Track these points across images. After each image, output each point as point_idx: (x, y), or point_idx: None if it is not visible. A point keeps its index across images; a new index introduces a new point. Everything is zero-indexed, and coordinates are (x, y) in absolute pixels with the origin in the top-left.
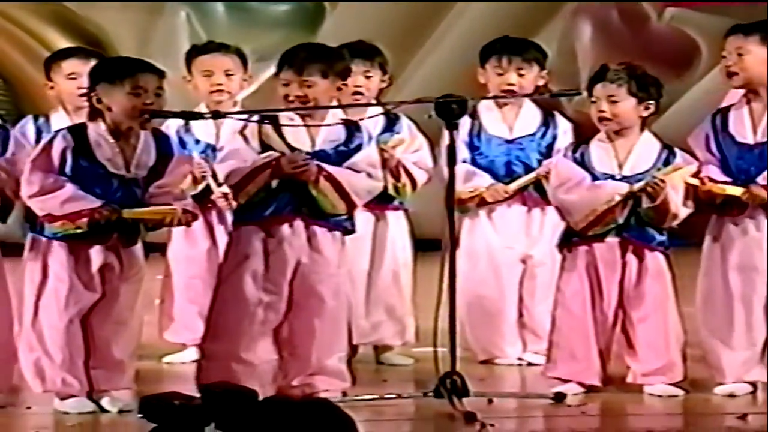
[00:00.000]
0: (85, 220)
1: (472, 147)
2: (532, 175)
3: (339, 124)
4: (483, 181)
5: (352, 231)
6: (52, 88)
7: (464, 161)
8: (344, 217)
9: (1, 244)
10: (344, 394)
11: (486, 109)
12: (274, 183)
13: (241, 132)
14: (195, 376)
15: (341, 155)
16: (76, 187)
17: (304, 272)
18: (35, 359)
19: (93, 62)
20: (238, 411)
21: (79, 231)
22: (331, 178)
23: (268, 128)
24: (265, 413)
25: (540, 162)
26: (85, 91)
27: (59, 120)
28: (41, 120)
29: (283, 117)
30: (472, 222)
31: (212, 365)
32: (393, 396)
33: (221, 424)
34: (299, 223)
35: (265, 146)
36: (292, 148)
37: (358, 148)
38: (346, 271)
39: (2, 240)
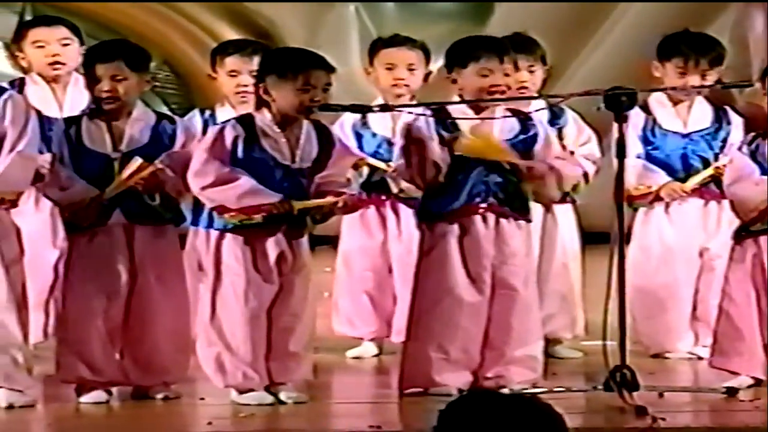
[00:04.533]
0: (262, 213)
1: (647, 142)
2: (709, 170)
3: (509, 116)
4: (659, 178)
5: (531, 220)
6: (215, 79)
7: (639, 156)
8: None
9: (180, 237)
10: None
11: (658, 104)
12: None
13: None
14: (400, 369)
15: (518, 146)
16: (253, 180)
17: (495, 264)
18: (216, 354)
19: (257, 60)
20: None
21: (251, 222)
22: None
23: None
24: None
25: (716, 157)
26: (244, 89)
27: (225, 113)
28: (207, 113)
29: (456, 111)
30: (646, 214)
31: (417, 361)
32: (563, 389)
33: None
34: (490, 215)
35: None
36: None
37: (535, 138)
38: (533, 260)
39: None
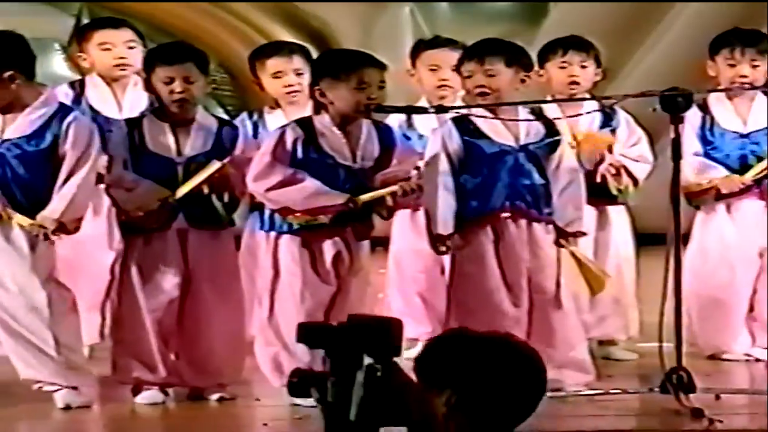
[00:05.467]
0: (328, 215)
1: (705, 141)
2: (765, 163)
3: (532, 120)
4: (717, 173)
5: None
6: (259, 85)
7: (697, 154)
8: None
9: (235, 238)
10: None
11: (717, 102)
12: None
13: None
14: None
15: (543, 149)
16: (318, 182)
17: (530, 268)
18: (273, 354)
19: (296, 58)
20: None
21: (316, 223)
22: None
23: (477, 123)
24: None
25: None
26: (292, 88)
27: (274, 116)
28: (255, 116)
29: (479, 112)
30: (706, 216)
31: None
32: (618, 391)
33: (371, 351)
34: (522, 220)
35: (466, 141)
36: (495, 144)
37: (559, 142)
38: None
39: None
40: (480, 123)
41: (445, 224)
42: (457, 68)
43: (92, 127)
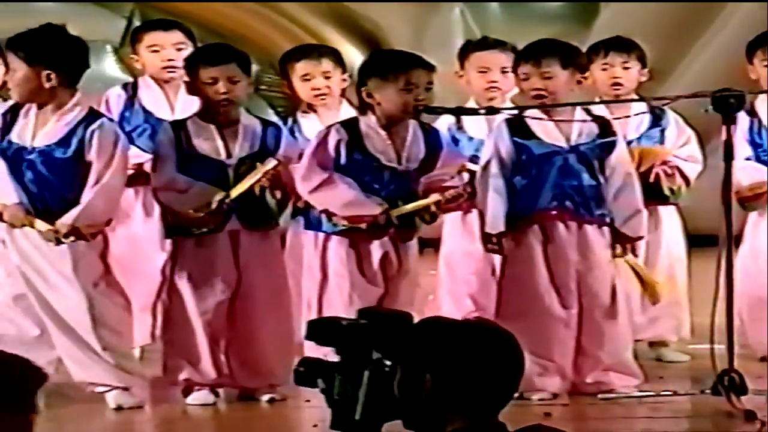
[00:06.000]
0: (365, 222)
1: (754, 144)
2: None
3: (588, 120)
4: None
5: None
6: (292, 89)
7: (748, 159)
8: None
9: (281, 237)
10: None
11: (762, 104)
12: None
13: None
14: None
15: (595, 150)
16: (356, 189)
17: (579, 270)
18: (322, 355)
19: (325, 61)
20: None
21: (359, 226)
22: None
23: (529, 124)
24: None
25: None
26: (319, 91)
27: (308, 120)
28: (290, 121)
29: (533, 113)
30: (759, 217)
31: None
32: (670, 393)
33: (381, 346)
34: (571, 222)
35: (516, 142)
36: (546, 145)
37: (613, 144)
38: (614, 265)
39: (282, 233)
40: (532, 123)
41: (493, 223)
42: (513, 70)
43: (117, 134)
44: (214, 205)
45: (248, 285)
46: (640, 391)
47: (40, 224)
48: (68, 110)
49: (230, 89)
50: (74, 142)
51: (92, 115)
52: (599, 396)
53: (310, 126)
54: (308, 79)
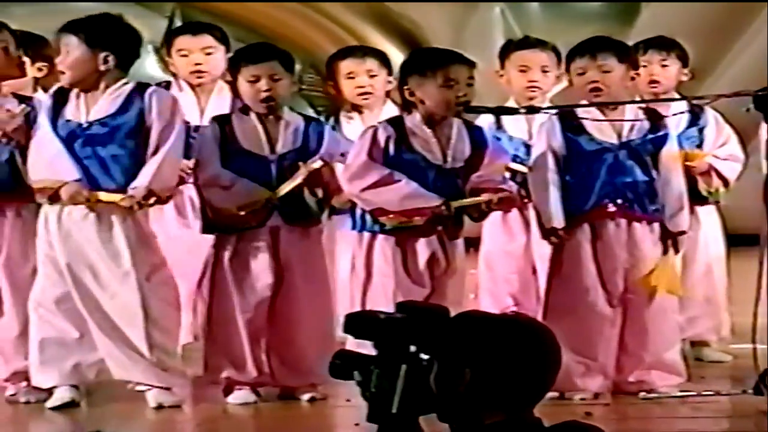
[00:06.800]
0: (423, 217)
1: None
2: None
3: (641, 120)
4: None
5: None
6: (336, 89)
7: None
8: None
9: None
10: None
11: None
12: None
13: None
14: None
15: (646, 146)
16: (414, 183)
17: (627, 268)
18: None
19: (369, 60)
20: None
21: (411, 225)
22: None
23: (581, 120)
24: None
25: None
26: (363, 89)
27: (350, 121)
28: (332, 120)
29: (581, 111)
30: None
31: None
32: (711, 393)
33: (418, 340)
34: (621, 219)
35: (567, 137)
36: (597, 142)
37: (664, 139)
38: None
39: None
40: (584, 119)
41: (557, 216)
42: (566, 66)
43: (174, 98)
44: (259, 206)
45: (290, 282)
46: (682, 390)
47: (109, 196)
48: (119, 87)
49: (272, 87)
50: (132, 108)
51: (144, 85)
52: (640, 395)
53: (352, 127)
54: (352, 77)
